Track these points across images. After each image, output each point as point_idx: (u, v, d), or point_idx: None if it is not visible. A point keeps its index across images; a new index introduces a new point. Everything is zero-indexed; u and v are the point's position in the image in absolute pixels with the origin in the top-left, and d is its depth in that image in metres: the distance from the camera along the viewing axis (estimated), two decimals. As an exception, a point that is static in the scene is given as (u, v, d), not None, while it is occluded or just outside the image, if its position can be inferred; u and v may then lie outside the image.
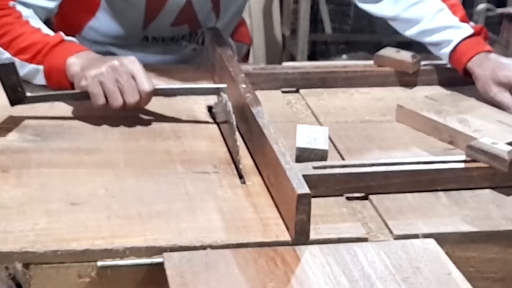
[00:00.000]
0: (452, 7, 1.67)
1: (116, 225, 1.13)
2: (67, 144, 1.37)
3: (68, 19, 1.72)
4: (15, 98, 1.43)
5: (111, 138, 1.40)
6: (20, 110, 1.44)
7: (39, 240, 1.09)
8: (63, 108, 1.49)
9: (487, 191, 1.30)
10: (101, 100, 1.39)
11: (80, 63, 1.44)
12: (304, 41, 3.81)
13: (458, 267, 1.08)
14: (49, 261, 1.07)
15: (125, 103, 1.40)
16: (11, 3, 1.53)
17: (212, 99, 1.52)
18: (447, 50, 1.65)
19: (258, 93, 1.52)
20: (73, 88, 1.46)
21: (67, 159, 1.32)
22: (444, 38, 1.65)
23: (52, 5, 1.59)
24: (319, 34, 4.39)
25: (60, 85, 1.47)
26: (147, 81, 1.40)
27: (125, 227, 1.13)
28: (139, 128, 1.44)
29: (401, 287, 1.03)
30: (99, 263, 1.07)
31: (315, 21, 4.34)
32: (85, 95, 1.41)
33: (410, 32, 1.71)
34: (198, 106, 1.55)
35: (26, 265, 1.06)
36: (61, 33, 1.50)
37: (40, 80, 1.50)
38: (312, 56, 4.25)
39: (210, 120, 1.50)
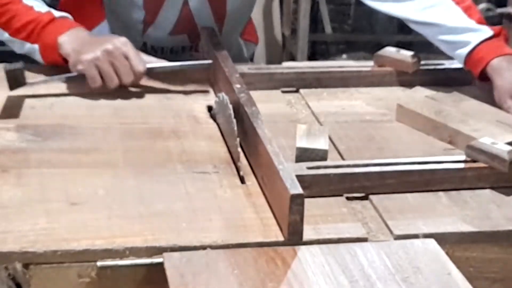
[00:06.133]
0: (467, 10, 1.62)
1: (116, 225, 1.13)
2: (66, 144, 1.37)
3: None
4: (15, 85, 1.52)
5: (111, 138, 1.40)
6: (21, 109, 1.45)
7: (39, 240, 1.09)
8: (63, 108, 1.50)
9: (487, 191, 1.30)
10: (98, 82, 1.51)
11: (71, 42, 1.54)
12: (304, 41, 3.81)
13: (458, 267, 1.08)
14: (49, 261, 1.07)
15: (120, 83, 1.52)
16: None
17: (212, 99, 1.52)
18: (463, 51, 1.59)
19: (258, 93, 1.52)
20: (66, 63, 1.54)
21: (67, 159, 1.32)
22: (461, 39, 1.60)
23: None
24: (319, 34, 4.39)
25: (55, 62, 1.58)
26: (140, 62, 1.53)
27: (125, 227, 1.13)
28: (138, 128, 1.44)
29: (401, 287, 1.03)
30: (99, 263, 1.07)
31: (315, 21, 4.34)
32: (81, 78, 1.53)
33: (425, 31, 1.66)
34: (198, 106, 1.55)
35: (26, 265, 1.06)
36: (52, 11, 1.58)
37: (39, 58, 1.60)
38: (312, 56, 4.25)
39: (210, 120, 1.50)
